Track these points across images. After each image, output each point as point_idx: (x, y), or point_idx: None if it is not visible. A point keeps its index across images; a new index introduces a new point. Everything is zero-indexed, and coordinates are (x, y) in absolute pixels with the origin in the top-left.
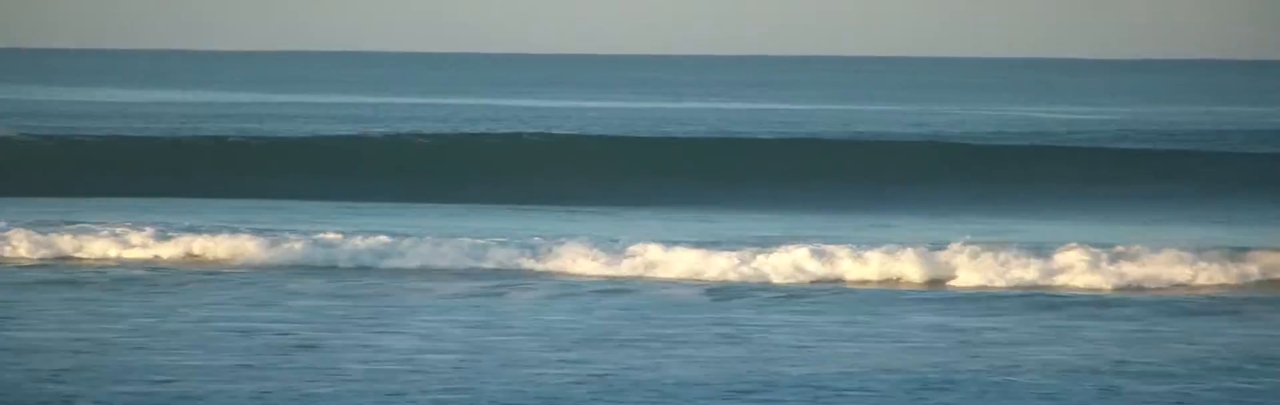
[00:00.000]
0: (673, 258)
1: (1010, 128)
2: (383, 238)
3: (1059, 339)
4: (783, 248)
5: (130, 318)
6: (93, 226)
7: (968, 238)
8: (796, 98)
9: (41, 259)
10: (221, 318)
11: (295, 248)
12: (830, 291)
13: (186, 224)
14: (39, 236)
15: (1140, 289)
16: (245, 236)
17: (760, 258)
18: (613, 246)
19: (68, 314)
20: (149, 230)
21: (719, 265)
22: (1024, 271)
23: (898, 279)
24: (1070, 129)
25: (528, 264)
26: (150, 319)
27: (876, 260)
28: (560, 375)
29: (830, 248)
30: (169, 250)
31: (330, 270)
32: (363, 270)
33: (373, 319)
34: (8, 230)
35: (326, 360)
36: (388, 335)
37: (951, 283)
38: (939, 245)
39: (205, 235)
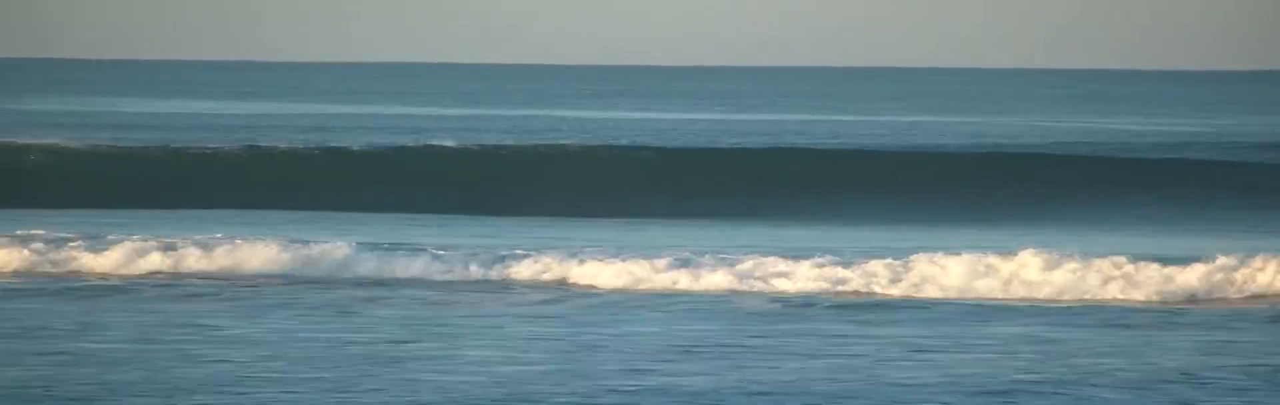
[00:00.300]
0: (755, 268)
1: (1080, 138)
2: (450, 250)
3: (1132, 350)
4: (860, 259)
5: (212, 329)
6: (172, 238)
7: (1032, 249)
8: (854, 109)
9: (105, 272)
10: (305, 329)
11: (369, 258)
12: (909, 304)
13: (269, 234)
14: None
15: (1218, 300)
16: (341, 246)
17: (839, 269)
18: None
19: (145, 324)
20: (226, 241)
21: (801, 276)
22: (1095, 282)
23: (975, 288)
24: (1144, 140)
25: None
26: (230, 330)
27: (953, 270)
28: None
29: (914, 257)
30: (250, 261)
31: (409, 281)
32: (446, 284)
33: (455, 330)
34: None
35: (410, 371)
36: (469, 346)
37: (1029, 293)
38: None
39: (287, 244)
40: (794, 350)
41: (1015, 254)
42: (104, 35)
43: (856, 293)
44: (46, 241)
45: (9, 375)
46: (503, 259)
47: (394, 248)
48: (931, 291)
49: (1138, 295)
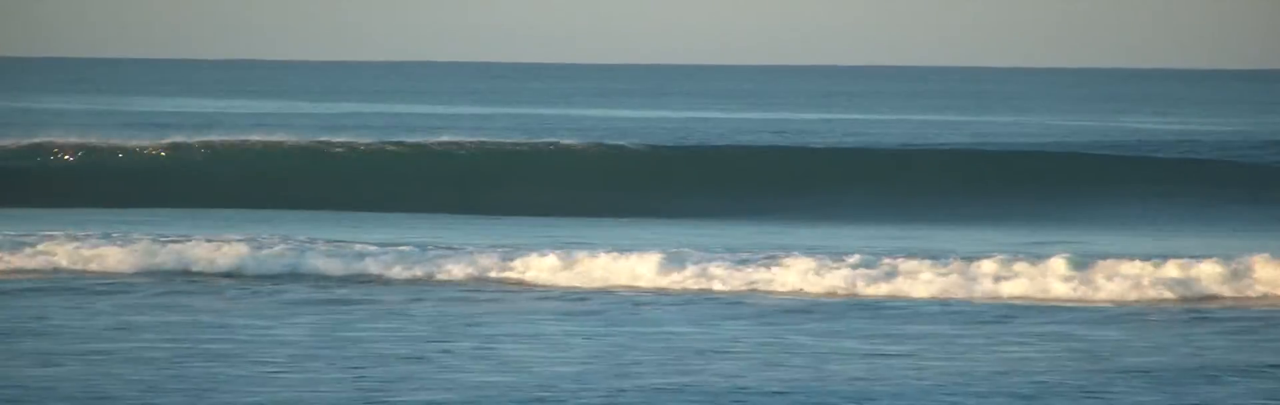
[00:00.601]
0: (790, 269)
1: (1128, 137)
2: (487, 250)
3: (1164, 348)
4: (891, 258)
5: (244, 329)
6: (224, 238)
7: (1063, 251)
8: (909, 108)
9: (144, 270)
10: (342, 328)
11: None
12: (950, 306)
13: (325, 236)
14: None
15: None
16: (404, 249)
17: (868, 268)
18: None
19: (181, 324)
20: (279, 241)
21: (836, 277)
22: (1127, 282)
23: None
24: (1198, 140)
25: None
26: (265, 330)
27: (985, 269)
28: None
29: (946, 257)
30: (298, 262)
31: (443, 282)
32: (482, 280)
33: (492, 328)
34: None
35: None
36: (510, 344)
37: (1060, 294)
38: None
39: (331, 245)
40: (824, 350)
41: (1045, 255)
42: (176, 35)
43: (888, 293)
44: (102, 238)
45: (43, 374)
46: (518, 255)
47: (424, 247)
48: (959, 292)
49: (1169, 294)
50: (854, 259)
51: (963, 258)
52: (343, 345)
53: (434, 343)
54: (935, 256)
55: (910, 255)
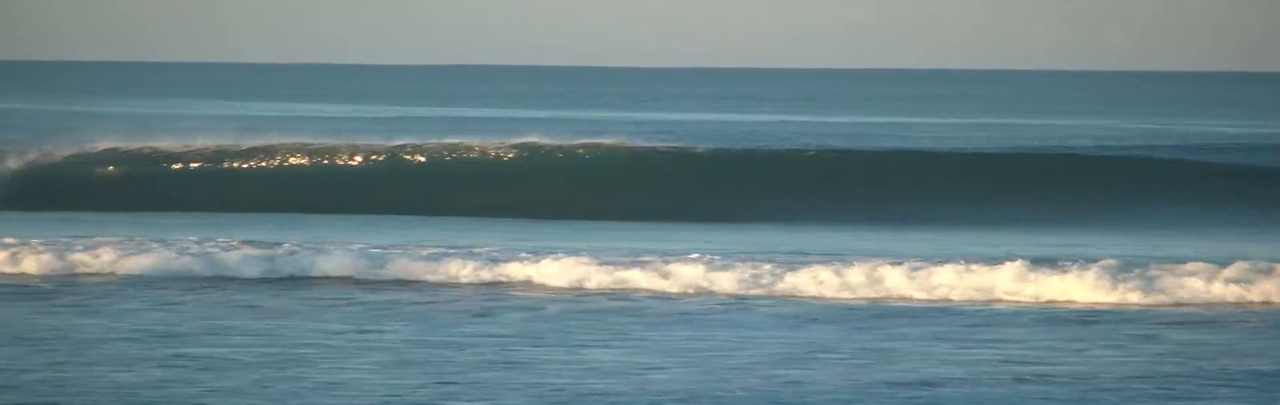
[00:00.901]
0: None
1: (1192, 141)
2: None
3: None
4: (947, 263)
5: (332, 334)
6: (318, 243)
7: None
8: (959, 111)
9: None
10: (430, 332)
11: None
12: (1032, 314)
13: (413, 238)
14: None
15: None
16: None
17: (929, 274)
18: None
19: (261, 330)
20: (357, 248)
21: (894, 280)
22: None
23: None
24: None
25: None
26: (350, 335)
27: (1076, 277)
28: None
29: (1002, 263)
30: (389, 268)
31: (518, 285)
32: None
33: (583, 334)
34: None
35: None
36: (596, 350)
37: (1125, 299)
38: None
39: (422, 250)
40: (905, 353)
41: (1113, 260)
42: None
43: (965, 299)
44: (197, 245)
45: (118, 379)
46: (614, 262)
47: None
48: (1023, 298)
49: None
50: (919, 263)
51: (1020, 264)
52: (433, 350)
53: (523, 349)
54: (989, 261)
55: (967, 259)
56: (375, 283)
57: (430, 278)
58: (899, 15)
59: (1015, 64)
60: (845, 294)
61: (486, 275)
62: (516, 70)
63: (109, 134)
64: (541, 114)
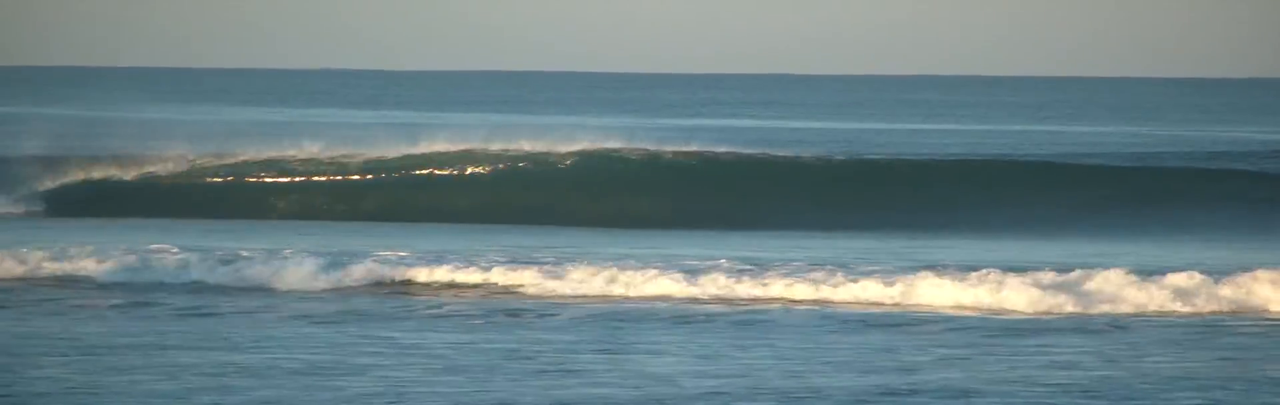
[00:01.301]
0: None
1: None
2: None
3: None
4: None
5: (380, 342)
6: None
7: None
8: (984, 118)
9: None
10: (476, 340)
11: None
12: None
13: (471, 248)
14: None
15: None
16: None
17: (967, 285)
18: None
19: (316, 339)
20: (413, 257)
21: (946, 290)
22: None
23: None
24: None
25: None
26: (403, 343)
27: (1114, 280)
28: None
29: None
30: (458, 277)
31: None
32: (601, 296)
33: (623, 342)
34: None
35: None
36: (648, 357)
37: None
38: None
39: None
40: (954, 359)
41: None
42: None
43: (1011, 310)
44: (243, 254)
45: (157, 389)
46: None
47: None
48: (1071, 307)
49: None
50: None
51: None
52: (486, 356)
53: (584, 355)
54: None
55: (1015, 269)
56: (429, 287)
57: (479, 283)
58: (936, 19)
59: (1049, 71)
60: (887, 301)
61: (554, 284)
62: (548, 76)
63: (235, 143)
64: (595, 121)
